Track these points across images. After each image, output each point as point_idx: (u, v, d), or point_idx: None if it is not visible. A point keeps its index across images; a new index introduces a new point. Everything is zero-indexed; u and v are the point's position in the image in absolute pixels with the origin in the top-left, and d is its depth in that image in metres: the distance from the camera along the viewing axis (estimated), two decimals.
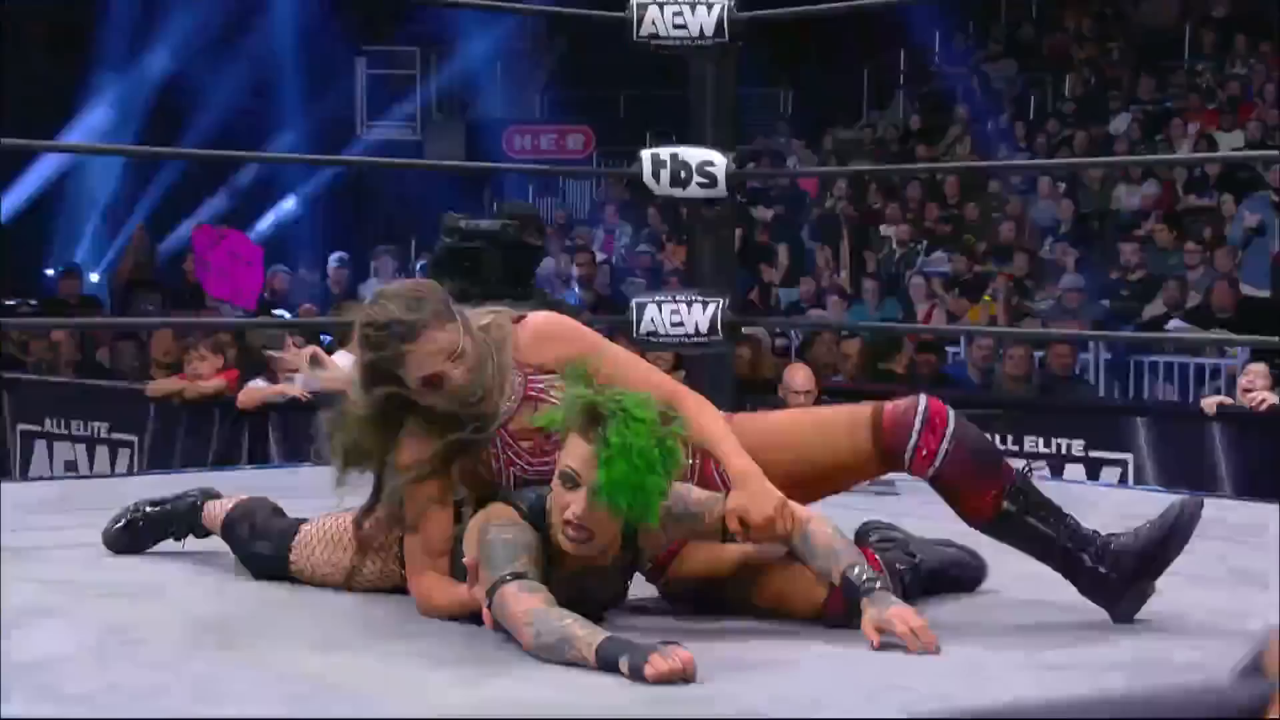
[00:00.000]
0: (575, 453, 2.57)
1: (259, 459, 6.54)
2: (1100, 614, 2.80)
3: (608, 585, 2.77)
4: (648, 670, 2.31)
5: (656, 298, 4.94)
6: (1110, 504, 4.49)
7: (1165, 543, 2.73)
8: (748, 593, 2.79)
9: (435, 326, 2.68)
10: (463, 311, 2.77)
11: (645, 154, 4.88)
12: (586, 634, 2.43)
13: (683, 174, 4.80)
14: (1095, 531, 2.82)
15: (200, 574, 3.24)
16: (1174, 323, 9.42)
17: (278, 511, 3.24)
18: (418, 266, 13.23)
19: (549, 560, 2.66)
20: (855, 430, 2.79)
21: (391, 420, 2.79)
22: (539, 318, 2.84)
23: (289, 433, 6.60)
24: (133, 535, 3.39)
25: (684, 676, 2.33)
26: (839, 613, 2.67)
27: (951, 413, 2.74)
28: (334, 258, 13.08)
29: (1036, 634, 2.76)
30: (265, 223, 14.96)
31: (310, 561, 3.08)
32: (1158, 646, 2.65)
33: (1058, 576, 2.84)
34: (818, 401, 6.77)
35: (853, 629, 2.61)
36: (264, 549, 3.16)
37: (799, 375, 6.69)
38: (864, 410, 2.80)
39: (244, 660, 2.53)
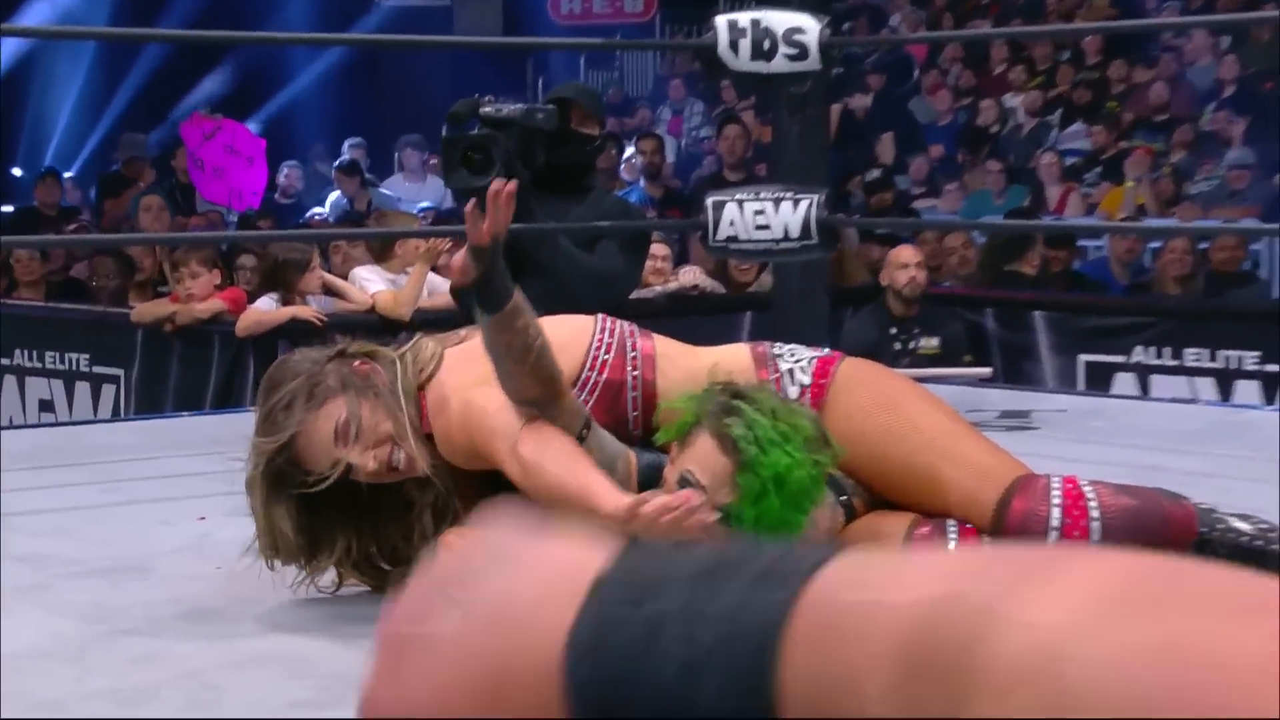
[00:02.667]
0: (704, 460, 2.52)
1: None
2: None
3: None
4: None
5: (737, 195, 4.83)
6: None
7: None
8: None
9: (308, 422, 2.63)
10: (341, 368, 2.70)
11: (720, 21, 4.75)
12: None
13: (766, 44, 4.66)
14: None
15: (194, 548, 3.21)
16: None
17: None
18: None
19: None
20: (970, 508, 2.67)
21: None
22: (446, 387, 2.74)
23: None
24: None
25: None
26: None
27: (1092, 504, 2.60)
28: (347, 145, 13.01)
29: None
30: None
31: None
32: None
33: None
34: (923, 308, 6.77)
35: None
36: None
37: (905, 252, 6.95)
38: (988, 493, 2.65)
39: (249, 656, 2.49)
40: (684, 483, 2.51)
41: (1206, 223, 9.25)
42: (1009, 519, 2.61)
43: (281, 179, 12.48)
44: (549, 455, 2.57)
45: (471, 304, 3.45)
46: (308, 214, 10.72)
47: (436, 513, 2.74)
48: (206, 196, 11.28)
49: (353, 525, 2.74)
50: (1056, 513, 2.58)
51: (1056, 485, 2.62)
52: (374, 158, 13.17)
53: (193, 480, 3.86)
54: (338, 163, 12.17)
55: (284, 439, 2.62)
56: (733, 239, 4.83)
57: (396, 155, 13.30)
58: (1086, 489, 2.62)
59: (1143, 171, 10.41)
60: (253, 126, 13.67)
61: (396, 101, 14.69)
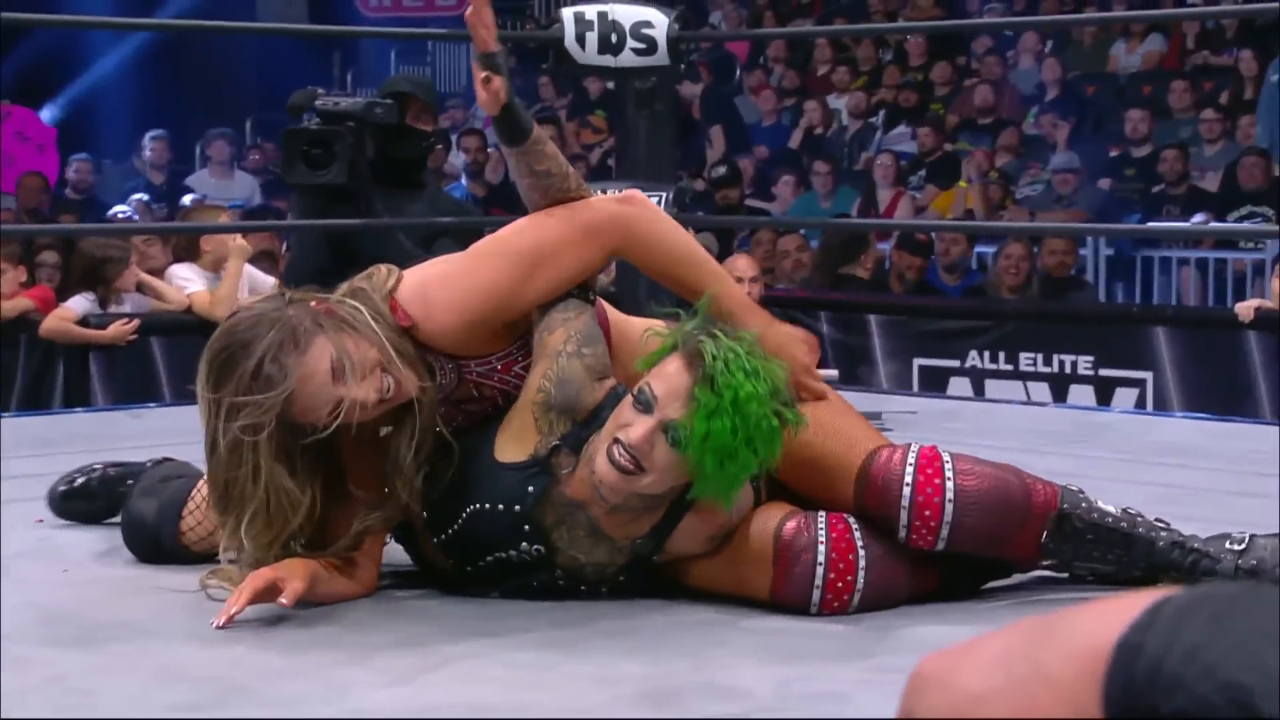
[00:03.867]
0: (665, 378, 2.56)
1: (77, 399, 6.42)
2: None
3: (593, 554, 2.75)
4: None
5: None
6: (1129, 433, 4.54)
7: None
8: (703, 578, 2.79)
9: (304, 366, 2.58)
10: (304, 310, 2.65)
11: (567, 13, 4.80)
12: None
13: (614, 38, 4.73)
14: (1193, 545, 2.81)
15: (37, 552, 3.18)
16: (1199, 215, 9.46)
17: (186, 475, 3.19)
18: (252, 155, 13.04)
19: (555, 480, 2.70)
20: (835, 479, 2.79)
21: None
22: (419, 276, 2.77)
23: (116, 367, 6.47)
24: (88, 501, 3.37)
25: None
26: (790, 599, 2.70)
27: (948, 471, 2.72)
28: (148, 138, 12.79)
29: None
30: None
31: (207, 527, 3.01)
32: None
33: None
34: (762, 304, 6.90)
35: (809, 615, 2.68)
36: (147, 510, 3.10)
37: (740, 262, 7.02)
38: (854, 463, 2.77)
39: (114, 660, 2.47)
40: (640, 394, 2.56)
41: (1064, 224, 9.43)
42: (868, 487, 2.73)
43: (71, 174, 12.10)
44: (655, 209, 2.86)
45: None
46: (111, 211, 10.52)
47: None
48: None
49: (319, 489, 2.71)
50: (910, 471, 2.70)
51: (914, 451, 2.74)
52: (176, 150, 12.97)
53: (21, 482, 3.81)
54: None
55: (290, 386, 2.56)
56: None
57: (199, 149, 13.14)
58: (944, 454, 2.75)
59: (973, 174, 10.64)
60: (45, 116, 13.41)
61: (200, 92, 14.52)
